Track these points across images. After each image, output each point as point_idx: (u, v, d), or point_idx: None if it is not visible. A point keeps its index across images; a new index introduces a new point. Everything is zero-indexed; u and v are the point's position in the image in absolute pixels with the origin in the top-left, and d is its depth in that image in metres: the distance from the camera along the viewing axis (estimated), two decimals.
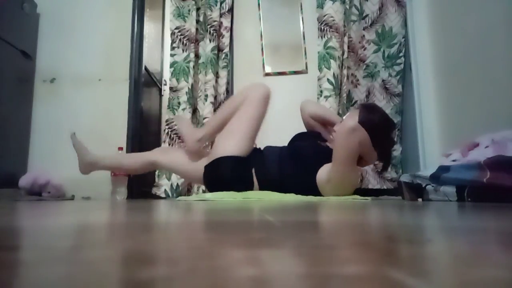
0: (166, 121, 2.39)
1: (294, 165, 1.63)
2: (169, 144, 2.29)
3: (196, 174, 1.73)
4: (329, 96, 2.27)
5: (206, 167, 1.68)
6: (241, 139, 1.65)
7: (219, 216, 0.61)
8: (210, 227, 0.45)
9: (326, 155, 1.60)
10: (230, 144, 1.64)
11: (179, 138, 2.26)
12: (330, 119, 1.81)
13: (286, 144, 1.83)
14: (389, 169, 2.43)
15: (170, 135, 2.35)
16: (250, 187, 1.64)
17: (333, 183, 1.52)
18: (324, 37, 2.35)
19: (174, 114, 2.37)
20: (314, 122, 1.87)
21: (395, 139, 1.86)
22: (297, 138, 1.83)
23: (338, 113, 2.32)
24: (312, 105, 1.93)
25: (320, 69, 2.34)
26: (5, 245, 0.30)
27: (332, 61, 2.31)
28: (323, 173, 1.55)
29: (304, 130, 1.92)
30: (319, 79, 2.33)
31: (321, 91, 2.30)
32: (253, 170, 1.65)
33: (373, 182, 2.42)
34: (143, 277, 0.18)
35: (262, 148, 1.78)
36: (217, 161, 1.63)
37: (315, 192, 1.59)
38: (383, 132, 1.62)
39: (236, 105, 1.71)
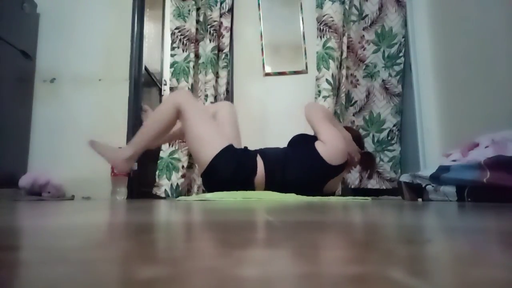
0: None
1: (297, 151, 1.72)
2: (169, 145, 2.29)
3: (206, 155, 1.64)
4: (328, 97, 2.26)
5: (203, 174, 1.67)
6: (213, 136, 1.66)
7: (219, 216, 0.61)
8: (210, 227, 0.45)
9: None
10: (209, 147, 1.63)
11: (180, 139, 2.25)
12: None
13: (286, 146, 1.83)
14: (389, 169, 2.44)
15: None
16: (254, 172, 1.63)
17: (328, 142, 1.68)
18: (323, 37, 2.35)
19: None
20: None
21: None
22: (297, 140, 1.83)
23: (335, 113, 2.32)
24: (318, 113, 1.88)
25: (318, 69, 2.33)
26: (5, 245, 0.30)
27: (331, 61, 2.30)
28: (318, 143, 1.71)
29: (303, 131, 1.92)
30: (317, 79, 2.32)
31: (319, 91, 2.29)
32: (258, 155, 1.67)
33: (372, 182, 2.43)
34: (143, 277, 0.18)
35: (263, 148, 1.78)
36: (212, 163, 1.62)
37: (319, 171, 1.65)
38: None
39: (162, 117, 1.69)
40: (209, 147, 1.64)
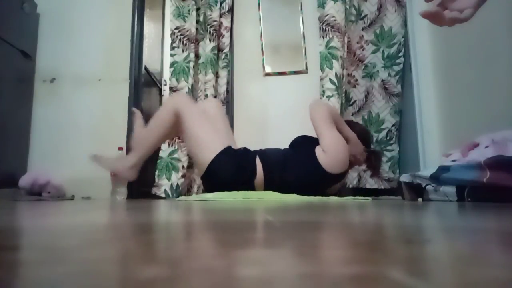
0: None
1: (297, 154, 1.70)
2: (169, 145, 2.29)
3: (204, 157, 1.65)
4: (332, 96, 2.26)
5: (203, 177, 1.67)
6: (210, 138, 1.66)
7: (219, 216, 0.61)
8: (210, 227, 0.45)
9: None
10: (207, 149, 1.64)
11: (179, 138, 2.25)
12: (345, 136, 1.76)
13: (287, 146, 1.83)
14: (387, 169, 2.43)
15: None
16: (254, 174, 1.63)
17: (329, 150, 1.64)
18: (326, 37, 2.34)
19: None
20: None
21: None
22: (298, 142, 1.82)
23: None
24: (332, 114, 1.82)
25: (322, 69, 2.32)
26: (5, 245, 0.30)
27: (334, 61, 2.29)
28: (319, 149, 1.68)
29: (305, 132, 1.91)
30: (321, 79, 2.32)
31: (324, 91, 2.29)
32: (257, 157, 1.67)
33: (370, 182, 2.42)
34: (143, 277, 0.18)
35: (263, 149, 1.78)
36: (211, 165, 1.62)
37: (318, 178, 1.64)
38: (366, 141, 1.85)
39: (162, 122, 1.70)
40: (207, 149, 1.64)
